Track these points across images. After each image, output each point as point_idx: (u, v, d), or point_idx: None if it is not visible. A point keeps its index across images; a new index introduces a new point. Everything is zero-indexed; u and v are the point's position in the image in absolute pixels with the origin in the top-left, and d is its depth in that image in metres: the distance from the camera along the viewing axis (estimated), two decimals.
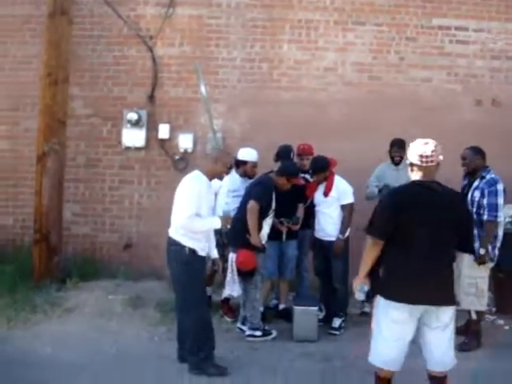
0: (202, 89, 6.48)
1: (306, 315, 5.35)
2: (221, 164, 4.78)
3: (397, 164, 6.12)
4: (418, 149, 3.53)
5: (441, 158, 3.54)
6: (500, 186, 5.15)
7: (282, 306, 6.04)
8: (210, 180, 4.77)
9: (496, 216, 5.11)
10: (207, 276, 5.92)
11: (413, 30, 7.47)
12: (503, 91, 7.57)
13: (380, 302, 3.59)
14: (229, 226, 5.08)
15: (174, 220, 4.67)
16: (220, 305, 6.08)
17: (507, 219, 5.88)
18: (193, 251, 4.60)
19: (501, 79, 7.58)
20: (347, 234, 5.74)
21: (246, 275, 5.33)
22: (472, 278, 5.18)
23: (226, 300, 5.90)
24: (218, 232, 5.85)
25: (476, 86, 7.54)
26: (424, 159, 3.50)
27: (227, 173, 5.36)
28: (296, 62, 7.39)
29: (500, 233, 5.29)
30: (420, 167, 3.54)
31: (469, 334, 5.28)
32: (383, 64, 7.45)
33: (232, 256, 5.40)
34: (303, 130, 6.87)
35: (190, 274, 4.59)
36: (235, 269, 5.35)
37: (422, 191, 3.54)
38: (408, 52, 7.46)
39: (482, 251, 5.08)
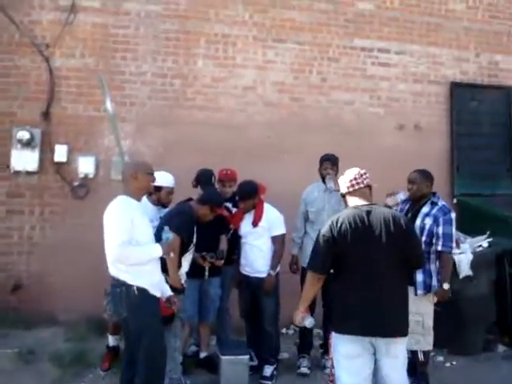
0: (108, 105, 5.62)
1: (235, 365, 4.61)
2: (142, 175, 4.02)
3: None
4: (344, 177, 3.69)
5: (370, 182, 3.67)
6: (453, 215, 4.73)
7: (203, 354, 5.20)
8: (139, 200, 4.05)
9: (452, 247, 4.68)
10: (112, 323, 5.09)
11: (335, 50, 7.11)
12: (425, 116, 7.39)
13: (333, 337, 3.52)
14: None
15: (107, 255, 3.87)
16: None
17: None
18: (142, 290, 3.80)
19: (423, 104, 7.39)
20: (278, 269, 5.09)
21: (162, 322, 4.47)
22: (418, 315, 4.67)
23: None
24: None
25: (398, 110, 7.30)
26: (350, 183, 3.63)
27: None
28: (212, 80, 6.74)
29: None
30: (351, 193, 3.64)
31: (417, 377, 4.77)
32: (305, 85, 7.00)
33: None
34: (221, 154, 6.21)
35: (144, 319, 3.82)
36: None
37: (358, 214, 3.50)
38: (330, 73, 7.08)
39: (446, 286, 4.62)
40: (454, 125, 7.43)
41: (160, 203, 5.10)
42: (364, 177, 3.67)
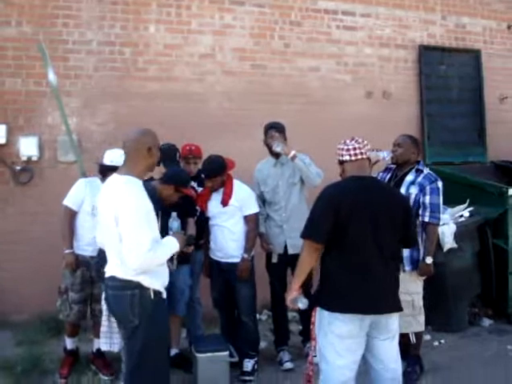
0: (51, 76, 4.92)
1: (214, 364, 4.06)
2: (156, 151, 3.21)
3: (278, 156, 4.82)
4: (345, 144, 3.36)
5: (370, 155, 3.44)
6: (440, 184, 4.32)
7: (174, 351, 4.60)
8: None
9: (439, 218, 4.28)
10: (69, 324, 4.51)
11: (297, 14, 6.58)
12: (393, 82, 7.00)
13: (322, 316, 3.23)
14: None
15: (119, 255, 3.06)
16: (92, 359, 4.61)
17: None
18: (158, 294, 3.15)
19: (390, 69, 6.99)
20: (253, 252, 4.59)
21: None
22: (407, 295, 4.27)
23: (100, 353, 4.43)
24: (85, 263, 4.45)
25: (366, 76, 6.88)
26: (354, 151, 3.31)
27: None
28: (166, 47, 6.09)
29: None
30: (353, 162, 3.32)
31: (409, 360, 4.41)
32: (267, 51, 6.45)
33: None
34: (179, 129, 5.62)
35: (157, 329, 3.13)
36: None
37: (360, 186, 3.26)
38: (293, 38, 6.56)
39: (429, 260, 4.24)
40: (424, 91, 7.08)
41: None
42: (366, 147, 3.37)
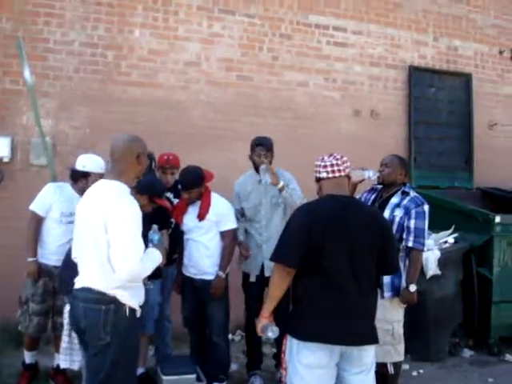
0: (27, 74, 4.72)
1: None
2: (144, 158, 3.07)
3: None
4: (322, 161, 3.15)
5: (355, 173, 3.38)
6: (427, 207, 4.13)
7: (140, 371, 4.29)
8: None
9: (424, 244, 4.08)
10: (28, 337, 4.24)
11: (288, 27, 6.43)
12: (382, 101, 6.86)
13: (292, 345, 3.01)
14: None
15: (102, 265, 2.84)
16: (51, 374, 4.35)
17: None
18: (132, 312, 2.92)
19: (380, 88, 6.86)
20: (228, 270, 4.37)
21: None
22: (387, 323, 4.06)
23: (61, 369, 4.15)
24: (48, 272, 4.19)
25: (354, 94, 6.73)
26: (331, 168, 3.10)
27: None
28: (150, 52, 5.90)
29: None
30: (330, 179, 3.11)
31: None
32: (254, 62, 6.29)
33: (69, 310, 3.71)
34: (159, 137, 5.39)
35: (127, 349, 2.90)
36: None
37: (336, 206, 3.04)
38: (282, 50, 6.41)
39: (413, 288, 4.01)
40: (412, 112, 6.96)
41: None
42: (345, 165, 3.14)
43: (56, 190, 4.26)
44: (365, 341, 3.00)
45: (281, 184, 4.36)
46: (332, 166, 3.09)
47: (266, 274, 4.42)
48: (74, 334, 3.72)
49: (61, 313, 3.82)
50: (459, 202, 6.01)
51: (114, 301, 2.84)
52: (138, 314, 3.00)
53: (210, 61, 6.11)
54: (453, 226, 5.63)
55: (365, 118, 6.76)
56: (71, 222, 4.14)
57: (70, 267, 3.75)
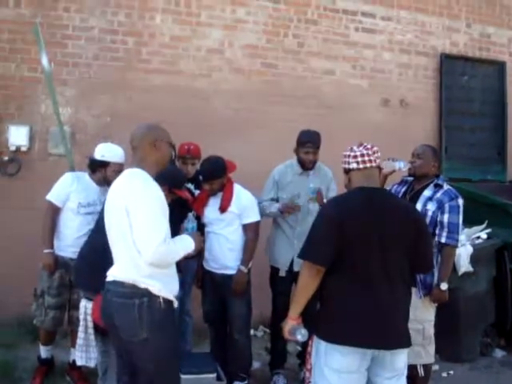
0: (44, 60, 4.58)
1: None
2: (163, 144, 2.99)
3: (308, 168, 4.46)
4: (352, 151, 2.95)
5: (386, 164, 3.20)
6: (461, 201, 3.89)
7: None
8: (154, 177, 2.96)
9: (458, 240, 3.85)
10: (44, 331, 4.13)
11: (314, 12, 6.19)
12: (411, 90, 6.60)
13: (319, 346, 2.82)
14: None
15: (129, 251, 2.77)
16: (67, 370, 4.23)
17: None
18: (168, 303, 2.81)
19: (409, 77, 6.59)
20: (250, 264, 4.18)
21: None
22: (418, 323, 3.85)
23: (76, 365, 4.02)
24: (64, 265, 4.07)
25: (383, 83, 6.48)
26: (360, 159, 2.89)
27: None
28: (172, 39, 5.71)
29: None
30: (360, 170, 2.91)
31: None
32: (279, 49, 6.07)
33: (86, 305, 3.57)
34: (180, 126, 5.11)
35: (168, 343, 2.82)
36: (91, 325, 3.54)
37: (367, 199, 2.84)
38: (308, 37, 6.17)
39: (444, 286, 3.80)
40: (443, 101, 6.67)
41: (106, 183, 4.10)
42: (376, 155, 2.93)
43: (74, 180, 4.13)
44: (399, 344, 2.82)
45: None
46: (363, 156, 2.89)
47: (295, 268, 4.25)
48: (90, 330, 3.62)
49: (77, 307, 3.70)
50: (492, 195, 5.74)
51: (146, 293, 2.74)
52: (176, 305, 2.90)
53: (233, 48, 5.91)
54: (486, 221, 5.36)
55: (394, 107, 6.50)
56: (89, 213, 4.07)
57: (86, 260, 3.65)
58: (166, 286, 2.82)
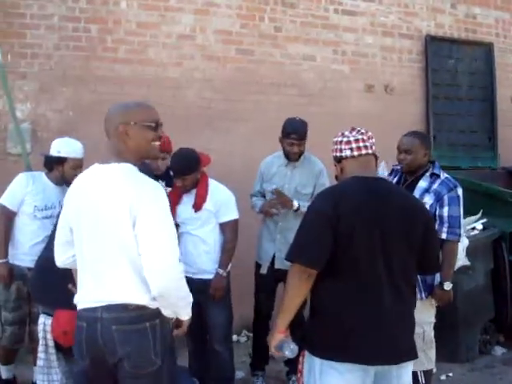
0: None
1: None
2: (134, 129, 2.34)
3: (294, 160, 4.15)
4: (343, 136, 2.58)
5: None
6: (460, 191, 3.54)
7: None
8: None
9: (459, 234, 3.51)
10: (3, 349, 3.74)
11: None
12: (396, 75, 6.27)
13: (312, 364, 2.45)
14: None
15: (127, 272, 2.25)
16: None
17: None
18: (168, 323, 2.38)
19: (394, 61, 6.26)
20: (229, 267, 3.81)
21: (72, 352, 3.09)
22: (419, 326, 3.46)
23: None
24: (21, 275, 3.67)
25: (366, 68, 6.14)
26: (355, 145, 2.52)
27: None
28: (139, 26, 5.30)
29: None
30: (353, 159, 2.54)
31: None
32: (255, 34, 5.69)
33: (45, 322, 3.16)
34: None
35: (173, 372, 2.52)
36: (51, 343, 3.14)
37: (366, 190, 2.47)
38: (286, 21, 5.80)
39: (448, 286, 3.47)
40: (430, 86, 6.34)
41: (64, 181, 3.70)
42: (372, 141, 2.58)
43: (29, 181, 3.74)
44: (406, 356, 2.48)
45: (295, 205, 3.99)
46: (357, 141, 2.53)
47: (277, 265, 4.01)
48: (51, 350, 3.21)
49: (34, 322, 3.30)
50: (486, 183, 5.43)
51: (158, 313, 2.28)
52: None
53: (205, 33, 5.51)
54: (481, 211, 5.05)
55: (378, 93, 6.17)
56: (46, 217, 3.69)
57: (43, 271, 3.26)
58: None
